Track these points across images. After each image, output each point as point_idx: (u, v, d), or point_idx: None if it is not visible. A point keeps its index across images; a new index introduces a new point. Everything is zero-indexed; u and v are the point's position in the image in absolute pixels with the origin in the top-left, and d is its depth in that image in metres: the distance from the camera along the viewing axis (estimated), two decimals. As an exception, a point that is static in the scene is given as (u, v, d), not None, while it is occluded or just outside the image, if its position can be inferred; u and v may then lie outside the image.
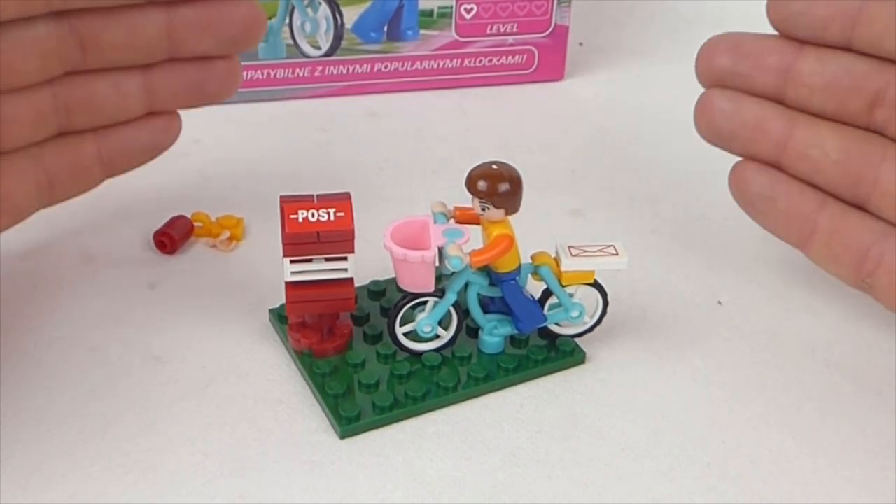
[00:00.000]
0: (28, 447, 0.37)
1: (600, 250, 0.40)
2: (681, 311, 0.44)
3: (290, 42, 0.59)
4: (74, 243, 0.47)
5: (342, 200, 0.38)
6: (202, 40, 0.41)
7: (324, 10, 0.58)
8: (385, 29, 0.60)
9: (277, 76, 0.59)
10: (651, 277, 0.46)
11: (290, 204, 0.38)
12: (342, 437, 0.37)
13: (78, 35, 0.39)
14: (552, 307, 0.41)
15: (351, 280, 0.39)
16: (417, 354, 0.40)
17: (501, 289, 0.40)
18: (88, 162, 0.42)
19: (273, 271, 0.42)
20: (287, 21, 0.58)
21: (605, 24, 0.71)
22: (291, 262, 0.38)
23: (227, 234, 0.47)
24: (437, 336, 0.40)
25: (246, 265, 0.46)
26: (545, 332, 0.41)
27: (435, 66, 0.61)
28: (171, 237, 0.46)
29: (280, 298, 0.40)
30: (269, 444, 0.37)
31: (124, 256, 0.46)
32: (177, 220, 0.47)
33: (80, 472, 0.36)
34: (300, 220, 0.37)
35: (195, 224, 0.47)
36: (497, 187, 0.37)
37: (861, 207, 0.41)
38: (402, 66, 0.61)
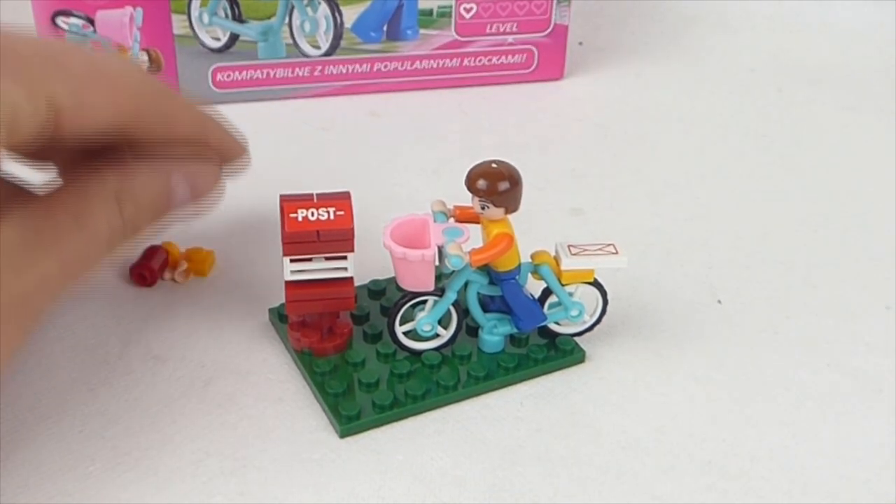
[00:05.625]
0: (28, 446, 0.37)
1: (600, 249, 0.40)
2: (681, 310, 0.44)
3: (290, 42, 0.59)
4: (74, 242, 0.47)
5: (342, 199, 0.38)
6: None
7: (323, 9, 0.58)
8: (385, 28, 0.60)
9: (277, 76, 0.59)
10: (651, 276, 0.46)
11: (289, 203, 0.38)
12: (342, 435, 0.37)
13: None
14: (552, 306, 0.41)
15: (351, 279, 0.39)
16: (417, 353, 0.40)
17: (501, 288, 0.40)
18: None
19: (273, 270, 0.42)
20: (287, 20, 0.58)
21: (605, 24, 0.71)
22: (291, 260, 0.38)
23: (184, 265, 0.45)
24: (437, 335, 0.40)
25: (245, 264, 0.46)
26: (545, 331, 0.41)
27: (435, 66, 0.61)
28: (152, 270, 0.44)
29: (280, 297, 0.40)
30: (269, 443, 0.37)
31: (124, 255, 0.46)
32: (154, 252, 0.45)
33: (80, 471, 0.36)
34: (300, 218, 0.37)
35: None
36: (497, 186, 0.37)
37: None
38: (402, 65, 0.61)
